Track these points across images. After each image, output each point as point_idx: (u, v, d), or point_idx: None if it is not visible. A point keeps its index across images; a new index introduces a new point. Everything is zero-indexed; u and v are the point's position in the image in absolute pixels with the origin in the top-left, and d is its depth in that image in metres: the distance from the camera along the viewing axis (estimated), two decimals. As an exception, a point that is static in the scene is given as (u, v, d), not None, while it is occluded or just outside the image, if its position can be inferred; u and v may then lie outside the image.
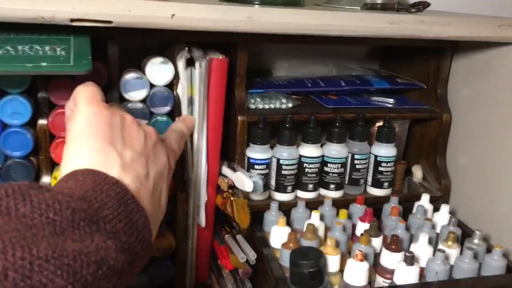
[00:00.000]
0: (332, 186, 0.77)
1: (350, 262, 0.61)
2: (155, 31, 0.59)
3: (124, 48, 0.68)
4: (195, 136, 0.70)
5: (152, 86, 0.68)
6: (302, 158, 0.75)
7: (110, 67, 0.66)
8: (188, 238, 0.73)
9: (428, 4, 0.71)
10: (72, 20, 0.54)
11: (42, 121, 0.64)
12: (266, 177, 0.74)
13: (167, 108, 0.69)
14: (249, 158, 0.74)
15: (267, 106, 0.77)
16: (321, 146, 0.77)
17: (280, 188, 0.75)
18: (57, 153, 0.65)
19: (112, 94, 0.67)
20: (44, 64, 0.53)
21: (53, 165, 0.66)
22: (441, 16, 0.71)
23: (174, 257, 0.72)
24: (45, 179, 0.65)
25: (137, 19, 0.56)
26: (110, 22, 0.55)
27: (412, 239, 0.70)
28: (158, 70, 0.68)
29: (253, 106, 0.76)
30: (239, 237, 0.68)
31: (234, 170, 0.72)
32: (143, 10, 0.56)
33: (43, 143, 0.64)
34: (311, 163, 0.75)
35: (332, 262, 0.63)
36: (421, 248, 0.66)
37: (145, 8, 0.56)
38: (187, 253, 0.73)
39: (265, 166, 0.74)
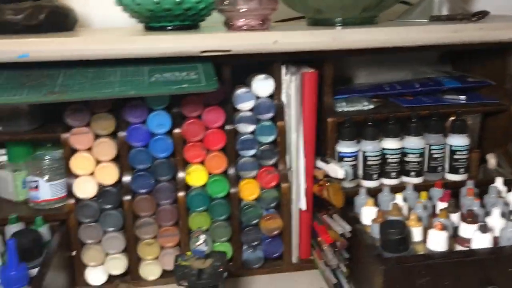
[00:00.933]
0: (412, 173, 0.89)
1: (431, 231, 0.73)
2: (259, 54, 0.76)
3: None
4: (294, 136, 0.86)
5: (257, 97, 0.86)
6: (385, 150, 0.89)
7: (224, 85, 0.84)
8: (292, 220, 0.88)
9: (487, 13, 0.82)
10: (202, 52, 0.73)
11: (177, 130, 0.83)
12: (354, 167, 0.88)
13: (270, 115, 0.86)
14: (339, 152, 0.89)
15: (351, 109, 0.91)
16: (401, 140, 0.89)
17: (367, 176, 0.89)
18: (189, 154, 0.84)
19: (227, 106, 0.85)
20: (185, 85, 0.72)
21: (185, 164, 0.85)
22: (500, 21, 0.81)
23: (282, 236, 0.88)
24: (181, 174, 0.84)
25: (249, 47, 0.74)
26: (229, 50, 0.73)
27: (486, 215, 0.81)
28: (261, 85, 0.85)
29: (340, 109, 0.91)
30: (335, 215, 0.83)
31: (327, 162, 0.86)
32: (253, 39, 0.74)
33: (178, 146, 0.84)
34: (393, 154, 0.88)
35: (416, 233, 0.75)
36: (495, 220, 0.76)
37: (254, 38, 0.74)
38: (292, 233, 0.89)
39: (353, 158, 0.88)
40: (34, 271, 0.71)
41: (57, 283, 0.74)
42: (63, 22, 0.84)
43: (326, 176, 0.85)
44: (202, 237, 0.72)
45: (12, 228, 0.78)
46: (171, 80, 0.73)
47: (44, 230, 0.78)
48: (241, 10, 0.76)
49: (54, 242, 0.78)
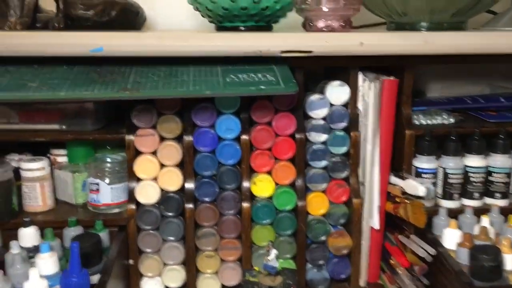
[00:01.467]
0: (497, 194, 0.81)
1: (528, 260, 0.65)
2: (338, 57, 0.71)
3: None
4: (369, 147, 0.80)
5: (331, 105, 0.80)
6: (467, 168, 0.81)
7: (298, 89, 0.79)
8: (362, 239, 0.81)
9: None
10: (283, 52, 0.68)
11: (245, 136, 0.78)
12: (433, 185, 0.81)
13: (344, 124, 0.80)
14: (416, 168, 0.82)
15: (430, 122, 0.85)
16: (485, 157, 0.82)
17: (447, 195, 0.82)
18: (256, 163, 0.79)
19: (298, 112, 0.80)
20: (263, 87, 0.67)
21: (251, 172, 0.80)
22: None
23: (350, 256, 0.82)
24: (245, 184, 0.79)
25: (332, 48, 0.69)
26: (310, 52, 0.69)
27: None
28: (336, 92, 0.80)
29: (417, 122, 0.85)
30: (413, 236, 0.76)
31: (403, 178, 0.80)
32: (337, 40, 0.68)
33: (245, 154, 0.79)
34: (477, 173, 0.81)
35: (509, 260, 0.68)
36: None
37: (339, 39, 0.69)
38: (361, 253, 0.82)
39: (432, 175, 0.81)
40: (94, 277, 0.66)
41: (115, 292, 0.69)
42: (133, 20, 0.81)
43: (404, 193, 0.78)
44: (274, 252, 0.66)
45: (71, 232, 0.74)
46: (248, 81, 0.69)
47: (104, 235, 0.74)
48: (323, 10, 0.71)
49: (114, 249, 0.74)
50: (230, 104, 0.77)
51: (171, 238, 0.79)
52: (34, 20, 0.81)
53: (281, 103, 0.78)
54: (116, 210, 0.80)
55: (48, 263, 0.65)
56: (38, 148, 0.85)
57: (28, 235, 0.72)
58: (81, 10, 0.76)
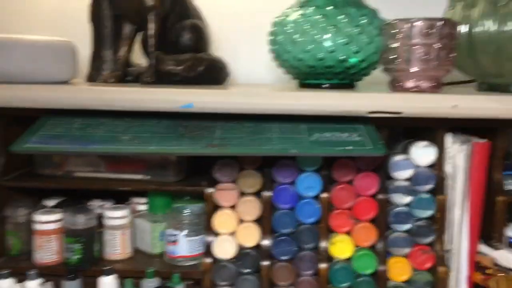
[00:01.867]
0: None
1: None
2: (424, 119, 0.68)
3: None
4: (458, 212, 0.75)
5: (416, 166, 0.77)
6: None
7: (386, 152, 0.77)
8: (448, 311, 0.76)
9: None
10: (370, 112, 0.67)
11: (325, 195, 0.77)
12: (528, 257, 0.75)
13: (429, 187, 0.77)
14: (509, 237, 0.76)
15: (523, 187, 0.79)
16: None
17: (544, 269, 0.75)
18: (335, 222, 0.77)
19: (381, 172, 0.77)
20: (350, 147, 0.66)
21: (330, 232, 0.78)
22: None
23: (434, 329, 0.76)
24: (323, 244, 0.77)
25: (423, 110, 0.67)
26: (400, 113, 0.67)
27: None
28: (422, 153, 0.77)
29: (509, 187, 0.79)
30: (508, 314, 0.70)
31: (495, 248, 0.74)
32: (428, 102, 0.66)
33: (325, 213, 0.77)
34: None
35: None
36: None
37: (430, 100, 0.66)
38: (447, 326, 0.76)
39: (527, 246, 0.75)
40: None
41: None
42: (218, 74, 0.84)
43: (496, 264, 0.73)
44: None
45: (149, 283, 0.74)
46: (333, 141, 0.68)
47: (180, 288, 0.74)
48: (412, 70, 0.70)
49: (190, 304, 0.73)
50: (312, 162, 0.76)
51: (246, 295, 0.77)
52: (126, 74, 0.85)
53: (364, 163, 0.76)
54: (192, 263, 0.80)
55: (127, 315, 0.66)
56: (119, 195, 0.87)
57: (108, 284, 0.73)
58: (171, 66, 0.79)
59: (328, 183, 0.77)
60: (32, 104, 0.70)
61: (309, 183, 0.76)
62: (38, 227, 0.78)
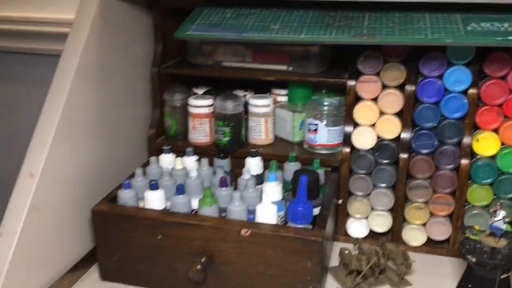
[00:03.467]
0: None
1: None
2: None
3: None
4: None
5: None
6: None
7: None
8: None
9: None
10: (540, -1, 0.61)
11: (473, 90, 0.74)
12: None
13: None
14: None
15: None
16: None
17: None
18: (482, 119, 0.75)
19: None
20: (510, 37, 0.62)
21: (475, 129, 0.76)
22: None
23: None
24: (467, 140, 0.76)
25: None
26: None
27: None
28: None
29: None
30: None
31: None
32: None
33: (472, 108, 0.74)
34: None
35: None
36: None
37: None
38: None
39: None
40: (314, 210, 0.72)
41: (329, 228, 0.74)
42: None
43: None
44: (502, 214, 0.63)
45: (291, 166, 0.80)
46: (492, 31, 0.64)
47: (320, 173, 0.79)
48: None
49: (329, 188, 0.78)
50: (463, 55, 0.72)
51: (382, 184, 0.80)
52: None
53: (520, 57, 0.71)
54: (329, 152, 0.84)
55: (274, 191, 0.72)
56: (261, 86, 0.92)
57: (254, 165, 0.80)
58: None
59: (478, 78, 0.74)
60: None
61: (458, 77, 0.73)
62: (193, 110, 0.86)
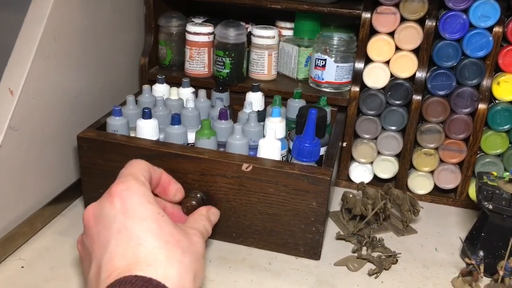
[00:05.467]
0: None
1: None
2: None
3: None
4: None
5: None
6: None
7: None
8: None
9: None
10: None
11: (499, 28, 0.68)
12: None
13: None
14: None
15: None
16: None
17: None
18: (505, 60, 0.69)
19: None
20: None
21: (496, 70, 0.71)
22: None
23: None
24: (487, 82, 0.70)
25: None
26: None
27: None
28: None
29: None
30: None
31: None
32: None
33: (495, 48, 0.69)
34: None
35: None
36: None
37: None
38: None
39: None
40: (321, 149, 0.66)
41: (334, 169, 0.69)
42: None
43: None
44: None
45: (295, 103, 0.74)
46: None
47: (327, 110, 0.73)
48: None
49: (336, 127, 0.73)
50: (494, -13, 0.66)
51: (392, 127, 0.75)
52: None
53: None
54: (337, 90, 0.78)
55: (278, 127, 0.67)
56: (264, 19, 0.85)
57: (256, 100, 0.74)
58: None
59: (505, 15, 0.68)
60: None
61: (485, 11, 0.67)
62: (191, 38, 0.79)
